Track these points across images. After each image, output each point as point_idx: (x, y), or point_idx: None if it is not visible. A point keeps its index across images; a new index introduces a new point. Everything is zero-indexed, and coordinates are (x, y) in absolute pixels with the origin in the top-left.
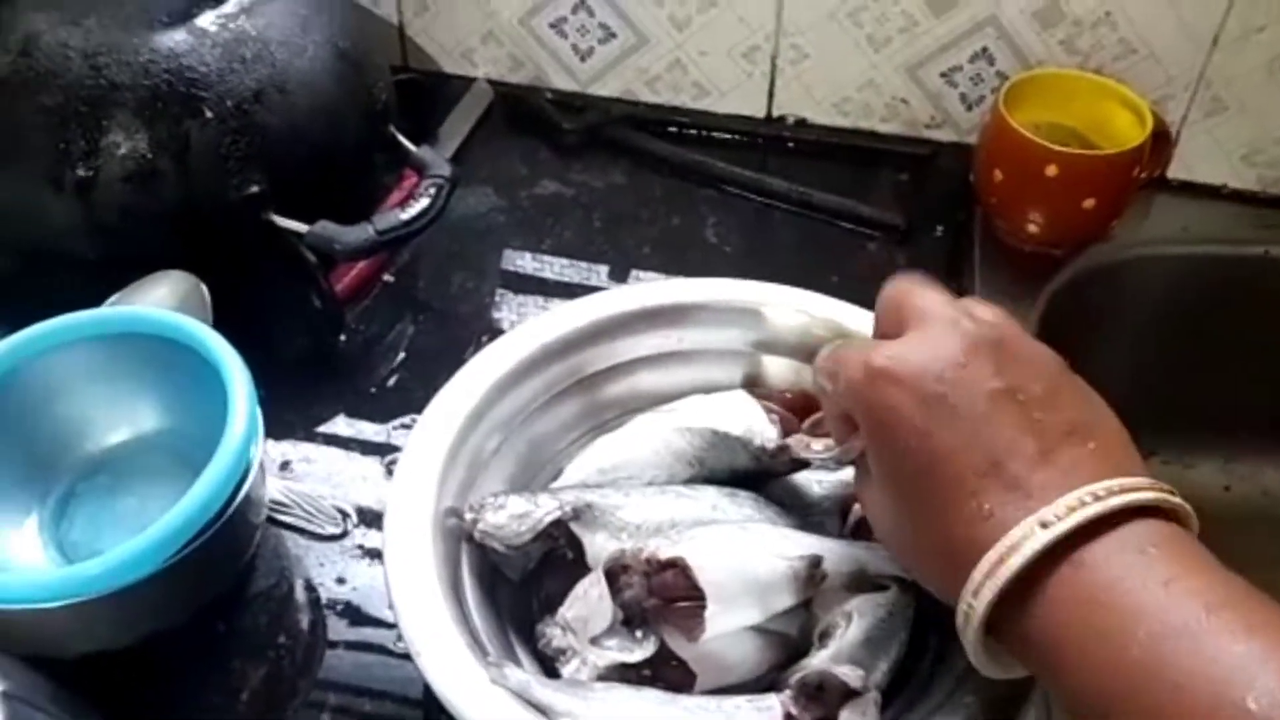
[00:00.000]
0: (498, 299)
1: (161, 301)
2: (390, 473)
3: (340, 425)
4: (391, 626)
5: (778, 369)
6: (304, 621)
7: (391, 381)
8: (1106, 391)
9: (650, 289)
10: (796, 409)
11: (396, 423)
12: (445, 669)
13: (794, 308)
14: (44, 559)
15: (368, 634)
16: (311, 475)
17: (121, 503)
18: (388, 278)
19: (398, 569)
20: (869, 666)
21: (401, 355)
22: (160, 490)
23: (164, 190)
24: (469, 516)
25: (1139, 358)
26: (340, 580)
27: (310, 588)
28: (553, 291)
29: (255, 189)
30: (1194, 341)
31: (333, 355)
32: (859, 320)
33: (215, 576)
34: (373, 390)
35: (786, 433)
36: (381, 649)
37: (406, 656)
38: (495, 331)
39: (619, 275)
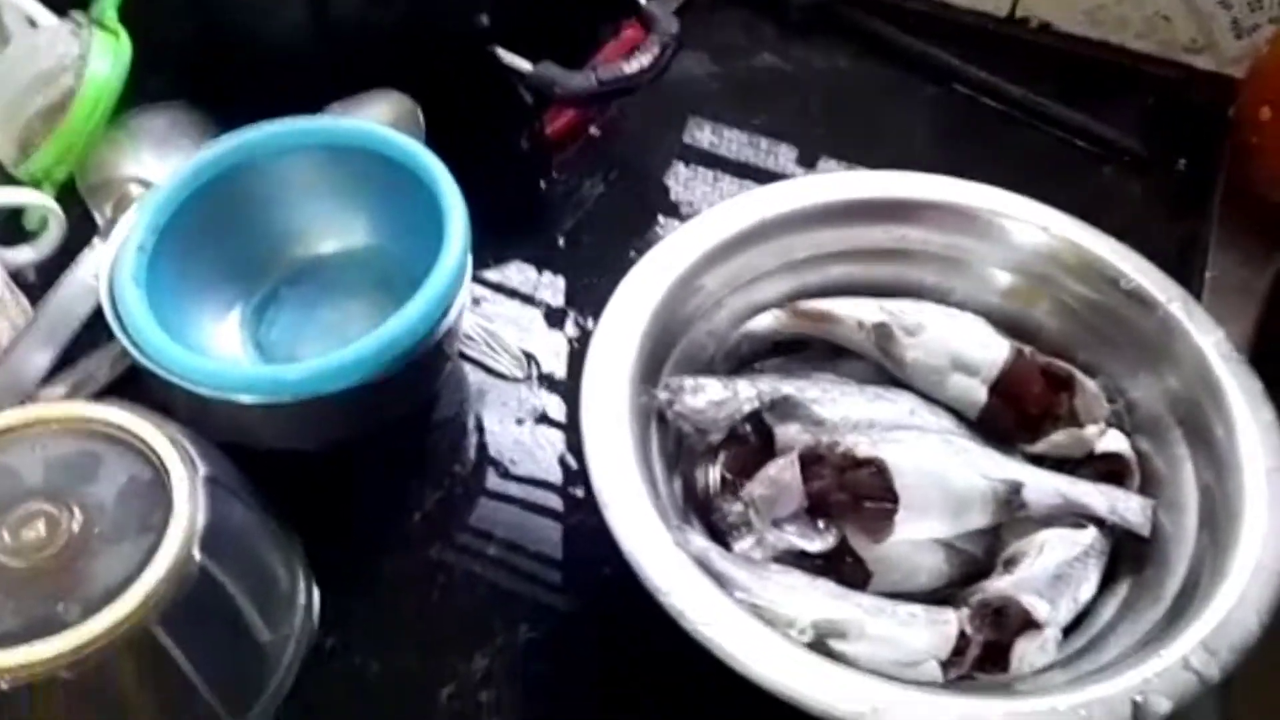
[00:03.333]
0: (694, 169)
1: (378, 119)
2: (577, 326)
3: (529, 272)
4: (554, 483)
5: (1002, 285)
6: (477, 457)
7: (581, 237)
8: None
9: (882, 179)
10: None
11: (581, 279)
12: (632, 525)
13: (1036, 224)
14: (242, 354)
15: (533, 480)
16: (500, 316)
17: (321, 312)
18: (594, 132)
19: (594, 426)
20: (1053, 602)
21: (596, 212)
22: (360, 305)
23: (396, 6)
24: (664, 396)
25: None
26: (519, 422)
27: (487, 425)
28: (750, 170)
29: (485, 18)
30: None
31: (532, 201)
32: (1108, 249)
33: (406, 398)
34: (564, 243)
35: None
36: (542, 500)
37: (565, 513)
38: (687, 201)
39: (811, 163)
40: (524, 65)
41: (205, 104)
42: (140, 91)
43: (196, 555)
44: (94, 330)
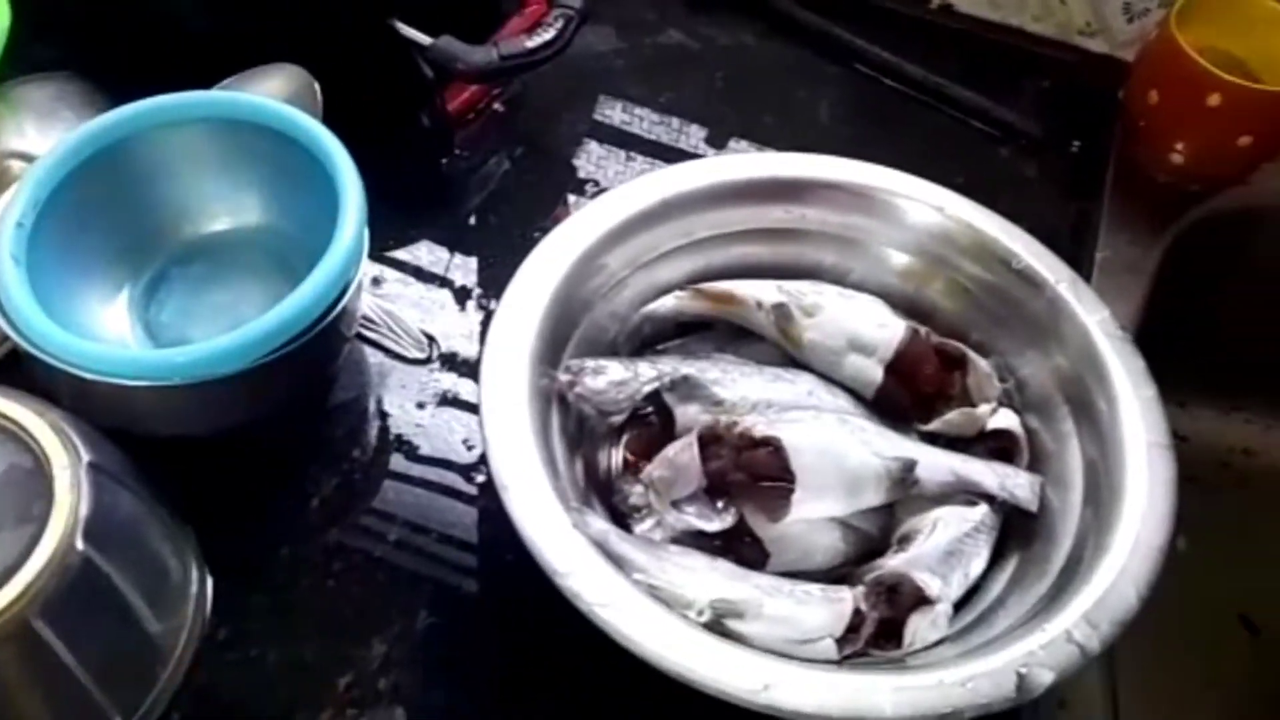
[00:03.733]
0: (601, 146)
1: (273, 94)
2: (480, 307)
3: (433, 252)
4: (457, 465)
5: (898, 265)
6: (378, 440)
7: (487, 215)
8: (1228, 335)
9: (780, 159)
10: (942, 362)
11: (487, 258)
12: (530, 508)
13: (931, 205)
14: (131, 337)
15: (435, 463)
16: (402, 297)
17: (213, 293)
18: (497, 107)
19: (492, 407)
20: (945, 578)
21: (501, 190)
22: (253, 287)
23: None
24: (565, 378)
25: (1266, 307)
26: (420, 405)
27: (388, 409)
28: (655, 148)
29: None
30: None
31: (434, 178)
32: (1000, 229)
33: (301, 382)
34: (469, 221)
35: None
36: (443, 483)
37: (468, 496)
38: (593, 180)
39: (719, 142)
40: (423, 39)
41: (92, 75)
42: (23, 61)
43: (79, 545)
44: None
